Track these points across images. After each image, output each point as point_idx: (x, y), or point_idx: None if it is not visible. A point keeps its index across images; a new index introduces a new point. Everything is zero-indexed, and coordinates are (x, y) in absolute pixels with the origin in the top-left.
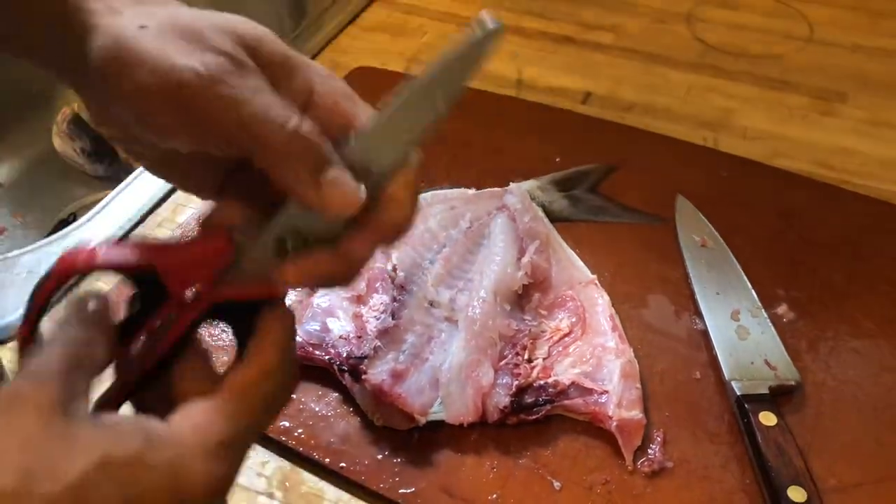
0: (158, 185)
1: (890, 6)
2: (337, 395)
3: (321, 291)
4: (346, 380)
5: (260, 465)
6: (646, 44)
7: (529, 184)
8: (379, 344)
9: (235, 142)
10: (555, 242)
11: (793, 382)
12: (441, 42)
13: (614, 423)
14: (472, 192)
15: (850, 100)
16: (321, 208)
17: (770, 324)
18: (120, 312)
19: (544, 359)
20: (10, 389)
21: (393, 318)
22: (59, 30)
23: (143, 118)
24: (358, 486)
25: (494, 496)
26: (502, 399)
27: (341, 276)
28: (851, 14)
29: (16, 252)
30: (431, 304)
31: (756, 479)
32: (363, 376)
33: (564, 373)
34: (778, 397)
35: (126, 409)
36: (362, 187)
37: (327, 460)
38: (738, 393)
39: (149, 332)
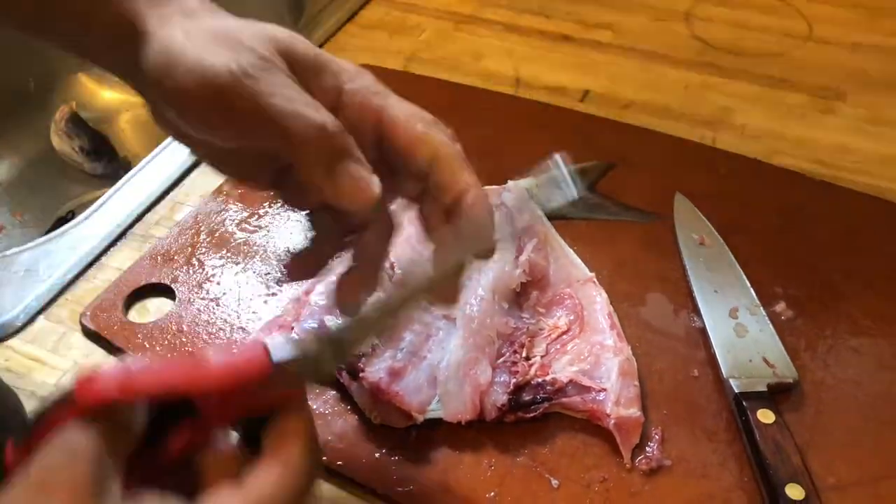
0: (156, 184)
1: (889, 4)
2: (334, 393)
3: (319, 289)
4: (344, 378)
5: None
6: (644, 42)
7: (527, 182)
8: (376, 342)
9: (265, 135)
10: (553, 240)
11: (791, 380)
12: (439, 40)
13: (612, 421)
14: None
15: (850, 98)
16: (337, 200)
17: (768, 322)
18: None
19: (542, 357)
20: (44, 465)
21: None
22: (119, 40)
23: (185, 115)
24: (355, 483)
25: (492, 494)
26: (500, 397)
27: None
28: (851, 12)
29: (14, 250)
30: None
31: (754, 477)
32: (360, 374)
33: (562, 371)
34: (776, 395)
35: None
36: (376, 179)
37: (324, 458)
38: (737, 391)
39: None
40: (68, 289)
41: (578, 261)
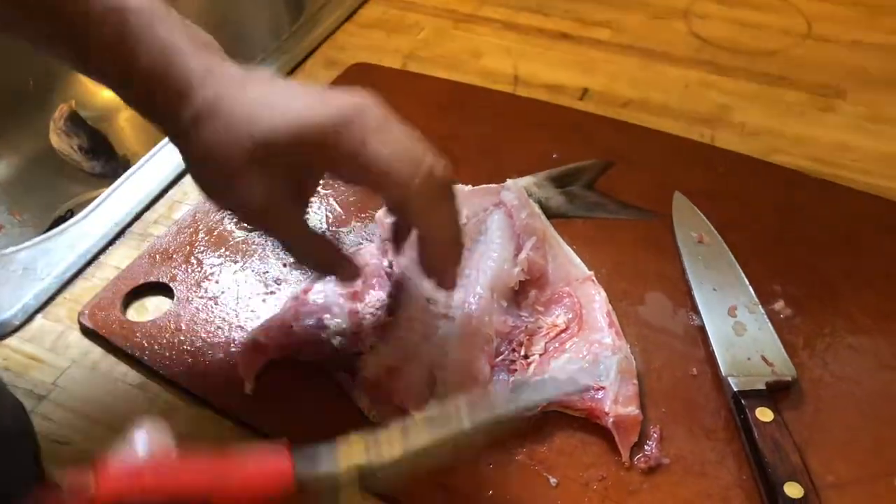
0: (155, 182)
1: (889, 1)
2: (332, 391)
3: (317, 287)
4: (342, 376)
5: None
6: (643, 40)
7: (526, 180)
8: (375, 340)
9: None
10: (551, 239)
11: (789, 378)
12: (438, 38)
13: (611, 420)
14: (468, 188)
15: (849, 96)
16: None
17: (767, 320)
18: None
19: (541, 355)
20: None
21: (389, 315)
22: (176, 96)
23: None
24: None
25: (490, 492)
26: None
27: None
28: (850, 9)
29: (11, 249)
30: (428, 300)
31: (753, 476)
32: (359, 373)
33: (561, 369)
34: (775, 393)
35: None
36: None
37: None
38: (735, 389)
39: None
40: (66, 287)
41: (577, 259)
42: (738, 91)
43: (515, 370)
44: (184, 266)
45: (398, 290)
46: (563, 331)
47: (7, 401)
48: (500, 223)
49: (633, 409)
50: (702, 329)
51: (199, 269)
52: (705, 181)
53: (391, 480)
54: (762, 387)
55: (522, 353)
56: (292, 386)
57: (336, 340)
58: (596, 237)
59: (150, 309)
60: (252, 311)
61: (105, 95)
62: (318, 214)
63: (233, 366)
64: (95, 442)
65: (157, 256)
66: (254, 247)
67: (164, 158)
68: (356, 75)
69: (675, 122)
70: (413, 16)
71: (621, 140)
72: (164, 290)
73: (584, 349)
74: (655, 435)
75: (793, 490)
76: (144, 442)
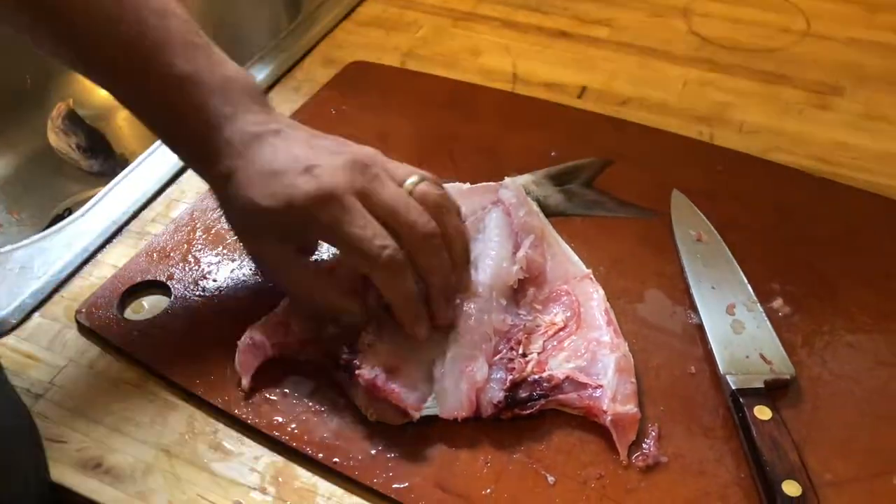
0: (152, 181)
1: None
2: (330, 390)
3: None
4: (340, 375)
5: (252, 460)
6: (641, 38)
7: (524, 178)
8: (374, 339)
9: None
10: (550, 237)
11: (788, 376)
12: (436, 36)
13: (609, 418)
14: (466, 186)
15: (847, 94)
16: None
17: (765, 318)
18: None
19: (539, 353)
20: None
21: (387, 313)
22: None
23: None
24: (351, 481)
25: (488, 491)
26: (496, 394)
27: None
28: (848, 8)
29: (8, 247)
30: None
31: (751, 474)
32: (357, 371)
33: (559, 367)
34: (773, 391)
35: None
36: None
37: (321, 455)
38: (733, 387)
39: None
40: (63, 286)
41: (575, 257)
42: (737, 89)
43: (513, 368)
44: (181, 264)
45: None
46: (561, 329)
47: (9, 400)
48: (499, 221)
49: (631, 408)
50: (700, 327)
51: (197, 267)
52: (704, 179)
53: None
54: (760, 385)
55: (520, 351)
56: (290, 385)
57: (334, 339)
58: (594, 235)
59: (148, 307)
60: (250, 309)
61: (103, 94)
62: None
63: (230, 364)
64: (93, 441)
65: (155, 255)
66: None
67: (162, 157)
68: (354, 73)
69: (674, 120)
70: (411, 14)
71: (620, 138)
72: (161, 288)
73: (582, 347)
74: (654, 433)
75: (791, 488)
76: None
